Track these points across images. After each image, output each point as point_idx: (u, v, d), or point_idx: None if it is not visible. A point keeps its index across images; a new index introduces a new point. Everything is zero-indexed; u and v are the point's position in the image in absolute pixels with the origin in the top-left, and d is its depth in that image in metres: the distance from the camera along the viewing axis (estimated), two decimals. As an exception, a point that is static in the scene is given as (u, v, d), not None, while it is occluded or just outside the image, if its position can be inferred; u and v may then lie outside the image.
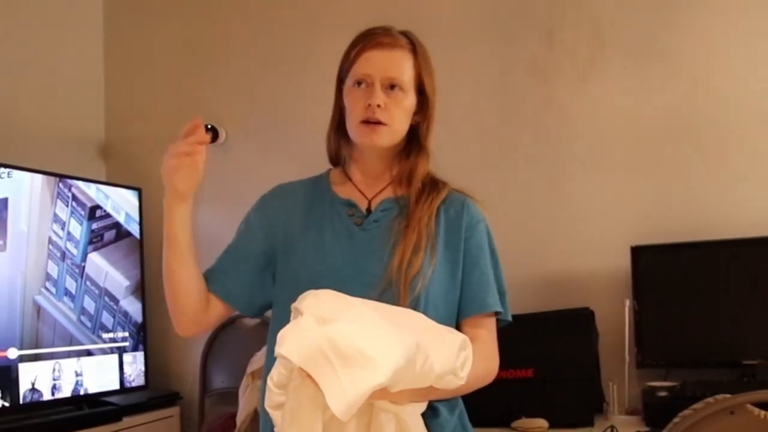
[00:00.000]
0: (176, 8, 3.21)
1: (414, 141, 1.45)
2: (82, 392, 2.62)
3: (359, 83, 1.37)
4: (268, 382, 1.13)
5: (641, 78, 2.51)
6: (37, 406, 2.44)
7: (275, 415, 1.14)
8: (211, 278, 1.42)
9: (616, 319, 2.35)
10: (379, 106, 1.35)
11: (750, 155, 2.39)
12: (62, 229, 2.62)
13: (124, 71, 3.27)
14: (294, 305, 1.19)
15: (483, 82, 2.69)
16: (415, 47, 1.41)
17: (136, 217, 2.93)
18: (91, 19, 3.26)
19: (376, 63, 1.36)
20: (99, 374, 2.70)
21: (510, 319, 1.42)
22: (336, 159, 1.50)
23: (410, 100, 1.40)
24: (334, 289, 1.26)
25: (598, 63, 2.56)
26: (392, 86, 1.37)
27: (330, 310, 1.14)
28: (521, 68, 2.65)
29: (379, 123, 1.36)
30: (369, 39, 1.39)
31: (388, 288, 1.31)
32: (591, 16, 2.57)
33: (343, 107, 1.43)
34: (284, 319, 1.29)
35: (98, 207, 2.78)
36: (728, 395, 1.39)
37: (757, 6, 2.40)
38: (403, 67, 1.38)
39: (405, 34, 1.42)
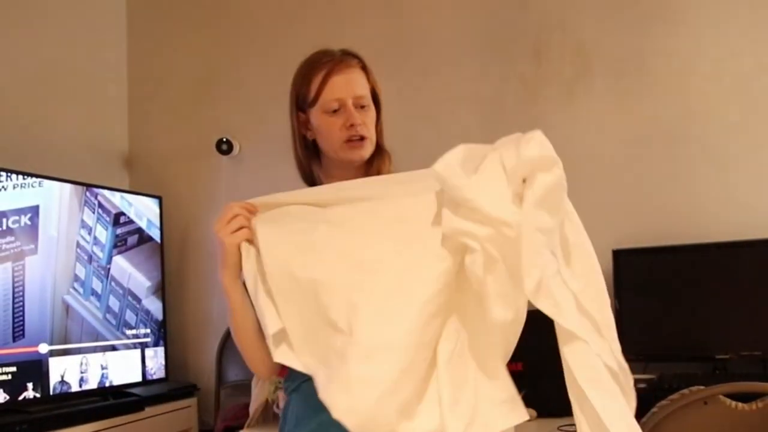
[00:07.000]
0: (195, 31, 3.22)
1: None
2: (107, 384, 2.62)
3: (334, 110, 1.37)
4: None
5: (622, 94, 2.51)
6: (66, 397, 2.45)
7: None
8: None
9: (599, 316, 2.35)
10: (359, 124, 1.36)
11: (722, 167, 2.39)
12: (89, 234, 2.63)
13: (146, 89, 3.27)
14: None
15: (475, 98, 2.67)
16: (363, 63, 1.43)
17: (157, 223, 2.94)
18: (115, 42, 3.27)
19: (343, 87, 1.37)
20: (123, 368, 2.70)
21: None
22: (310, 179, 1.49)
23: (374, 111, 1.42)
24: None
25: (583, 80, 2.56)
26: (362, 106, 1.38)
27: None
28: (511, 85, 2.65)
29: (362, 139, 1.37)
30: (327, 66, 1.38)
31: None
32: (576, 37, 2.58)
33: (308, 132, 1.43)
34: None
35: (122, 214, 2.78)
36: (702, 387, 1.39)
37: (731, 26, 2.40)
38: (363, 85, 1.40)
39: (350, 53, 1.43)
